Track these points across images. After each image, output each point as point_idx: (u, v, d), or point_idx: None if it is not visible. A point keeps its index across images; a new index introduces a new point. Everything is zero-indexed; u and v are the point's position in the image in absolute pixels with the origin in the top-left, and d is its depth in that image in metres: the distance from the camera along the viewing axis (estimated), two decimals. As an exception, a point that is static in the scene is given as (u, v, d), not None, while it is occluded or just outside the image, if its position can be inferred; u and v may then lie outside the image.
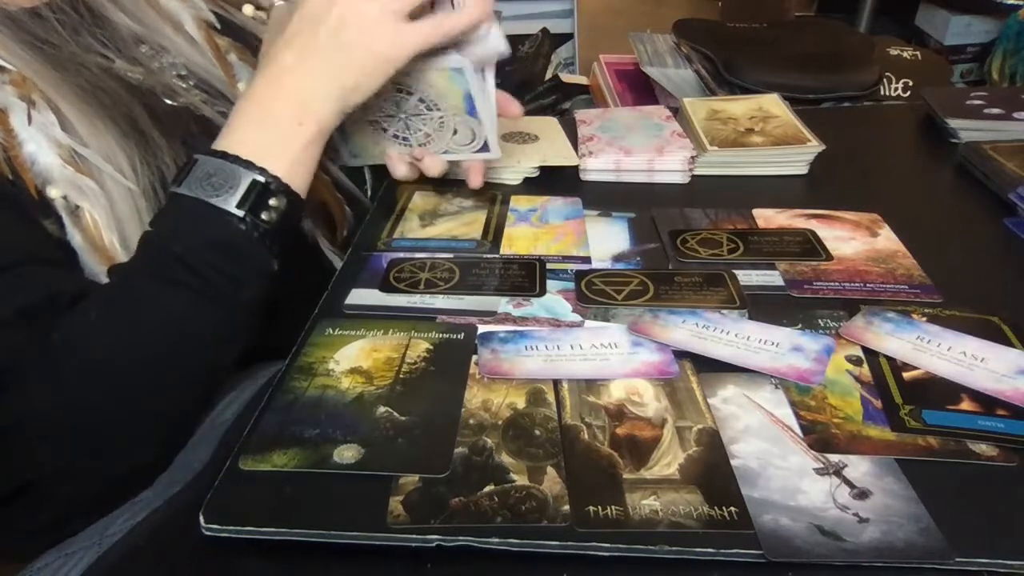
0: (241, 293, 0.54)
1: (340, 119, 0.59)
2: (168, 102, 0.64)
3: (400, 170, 0.72)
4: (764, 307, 0.59)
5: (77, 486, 0.52)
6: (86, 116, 0.58)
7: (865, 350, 0.54)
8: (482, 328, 0.57)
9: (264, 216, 0.54)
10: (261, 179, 0.54)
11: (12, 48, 0.57)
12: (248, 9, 0.79)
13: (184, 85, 0.67)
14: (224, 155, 0.55)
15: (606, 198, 0.77)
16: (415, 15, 0.58)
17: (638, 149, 0.82)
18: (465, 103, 0.65)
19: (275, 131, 0.56)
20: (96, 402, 0.51)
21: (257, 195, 0.54)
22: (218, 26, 0.73)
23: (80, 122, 0.57)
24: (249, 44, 0.75)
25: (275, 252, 0.56)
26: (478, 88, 0.64)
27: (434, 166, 0.71)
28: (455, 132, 0.68)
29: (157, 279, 0.52)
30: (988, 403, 0.48)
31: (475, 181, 0.74)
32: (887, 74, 1.17)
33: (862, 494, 0.42)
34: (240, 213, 0.53)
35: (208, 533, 0.41)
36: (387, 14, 0.56)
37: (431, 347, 0.55)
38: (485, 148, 0.70)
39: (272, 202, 0.54)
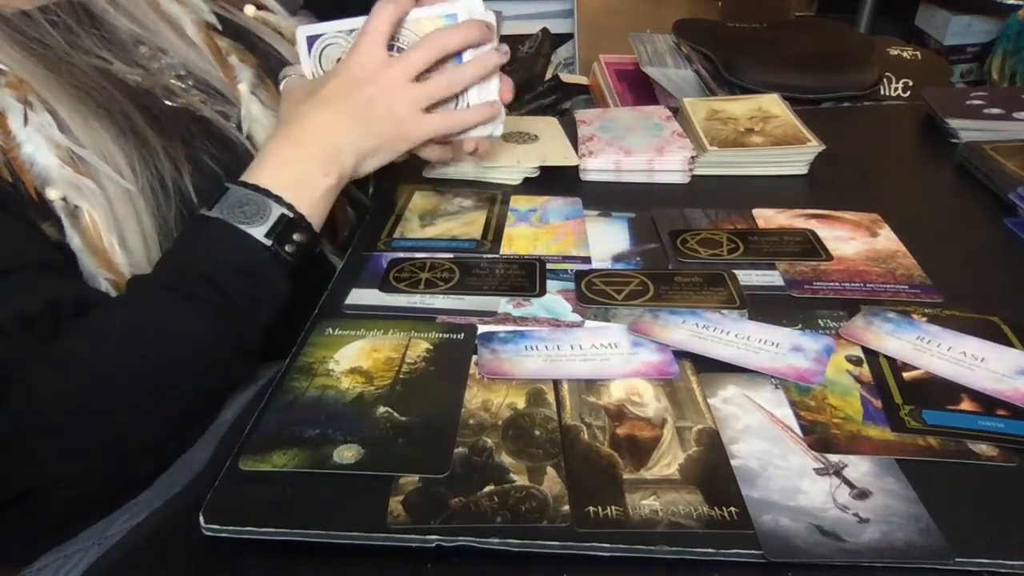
0: (261, 316, 0.56)
1: (353, 175, 0.64)
2: (167, 103, 0.65)
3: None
4: (764, 307, 0.59)
5: (77, 490, 0.52)
6: (81, 116, 0.58)
7: (865, 350, 0.54)
8: (482, 328, 0.57)
9: (288, 248, 0.57)
10: (290, 214, 0.58)
11: (7, 50, 0.57)
12: (249, 9, 0.79)
13: (183, 85, 0.67)
14: (256, 188, 0.58)
15: (606, 198, 0.77)
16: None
17: (638, 149, 0.82)
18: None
19: (305, 176, 0.60)
20: (104, 411, 0.51)
21: (284, 228, 0.57)
22: (219, 27, 0.73)
23: (76, 123, 0.57)
24: (251, 45, 0.75)
25: (290, 281, 0.58)
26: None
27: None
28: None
29: (182, 295, 0.53)
30: (988, 403, 0.48)
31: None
32: (887, 74, 1.17)
33: (862, 494, 0.42)
34: (268, 243, 0.56)
35: (208, 533, 0.41)
36: (411, 103, 0.64)
37: (431, 347, 0.55)
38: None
39: (296, 236, 0.58)
